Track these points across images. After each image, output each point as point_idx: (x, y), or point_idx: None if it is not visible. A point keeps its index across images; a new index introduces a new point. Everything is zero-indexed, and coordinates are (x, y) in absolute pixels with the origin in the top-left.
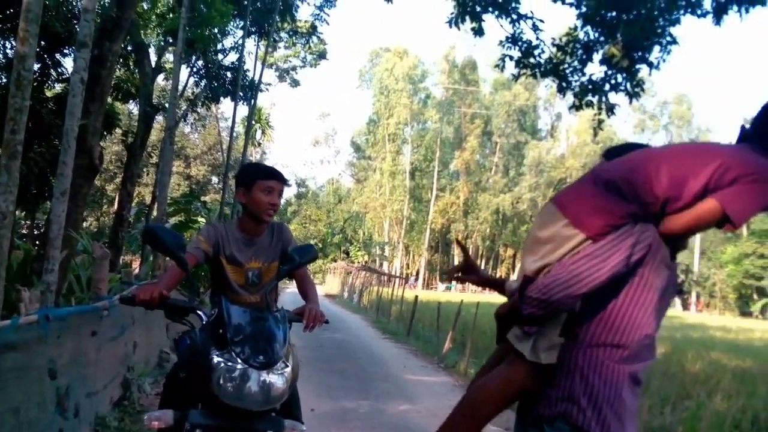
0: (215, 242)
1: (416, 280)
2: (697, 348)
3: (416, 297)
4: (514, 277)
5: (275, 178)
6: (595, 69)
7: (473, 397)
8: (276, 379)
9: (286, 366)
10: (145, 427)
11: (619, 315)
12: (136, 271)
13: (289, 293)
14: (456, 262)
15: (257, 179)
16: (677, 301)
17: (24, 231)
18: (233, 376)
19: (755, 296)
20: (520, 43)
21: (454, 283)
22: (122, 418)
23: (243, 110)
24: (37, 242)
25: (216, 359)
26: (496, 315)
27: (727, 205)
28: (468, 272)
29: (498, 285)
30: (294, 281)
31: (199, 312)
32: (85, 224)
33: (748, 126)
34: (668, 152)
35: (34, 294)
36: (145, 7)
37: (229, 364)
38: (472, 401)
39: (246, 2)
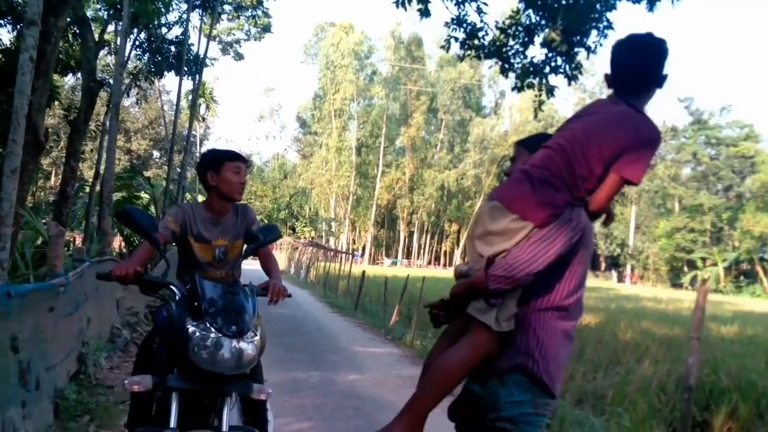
0: (182, 222)
1: (362, 255)
2: (629, 318)
3: (363, 272)
4: (458, 255)
5: (241, 159)
6: (537, 52)
7: (441, 369)
8: (247, 347)
9: (255, 335)
10: (126, 390)
11: (562, 284)
12: (84, 249)
13: (245, 269)
14: (402, 239)
15: (225, 161)
16: (613, 273)
17: None
18: (207, 344)
19: (686, 269)
20: (465, 25)
21: (399, 258)
22: (79, 391)
23: (187, 84)
24: None
25: (192, 329)
26: (452, 294)
27: (625, 174)
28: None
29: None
30: (257, 258)
31: (172, 287)
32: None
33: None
34: (570, 145)
35: None
36: None
37: (204, 333)
38: (440, 372)
39: None
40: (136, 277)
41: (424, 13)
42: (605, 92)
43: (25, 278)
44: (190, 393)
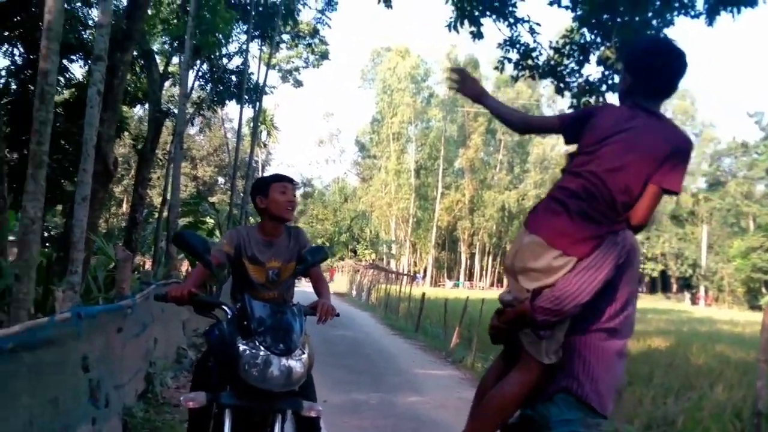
0: (236, 244)
1: (424, 277)
2: (702, 341)
3: (423, 294)
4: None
5: (286, 180)
6: (593, 70)
7: (496, 402)
8: (295, 364)
9: (303, 353)
10: (182, 407)
11: (609, 306)
12: (151, 272)
13: (298, 291)
14: (463, 260)
15: (272, 183)
16: (686, 295)
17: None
18: (257, 362)
19: (763, 290)
20: (518, 46)
21: (461, 280)
22: (147, 409)
23: (248, 112)
24: (47, 244)
25: (242, 347)
26: (499, 320)
27: (665, 185)
28: (461, 82)
29: (491, 105)
30: (309, 280)
31: (224, 307)
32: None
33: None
34: (608, 176)
35: (67, 294)
36: (150, 13)
37: (254, 351)
38: (494, 406)
39: (249, 8)
40: (191, 298)
41: (477, 35)
42: (669, 108)
43: (96, 301)
44: (243, 410)
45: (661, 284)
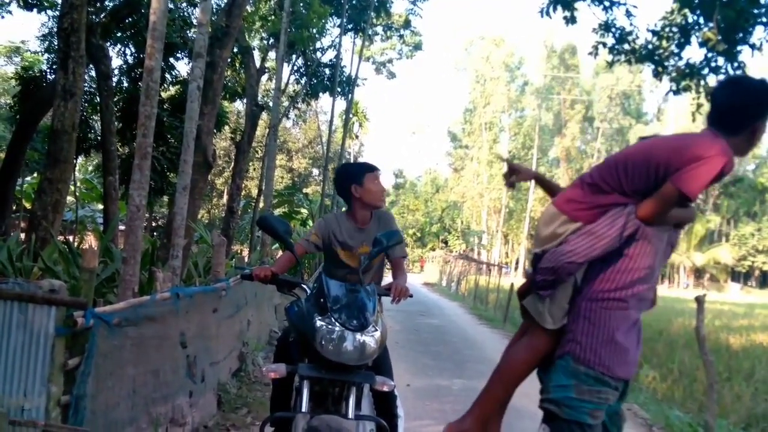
0: (325, 233)
1: (516, 269)
2: None
3: (512, 285)
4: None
5: (377, 169)
6: (694, 52)
7: (506, 365)
8: (368, 340)
9: (376, 330)
10: (264, 377)
11: (617, 276)
12: (246, 259)
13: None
14: None
15: (365, 173)
16: None
17: (144, 223)
18: (332, 337)
19: None
20: (613, 30)
21: None
22: (240, 386)
23: (341, 104)
24: (155, 233)
25: (318, 323)
26: (518, 293)
27: (679, 184)
28: (516, 174)
29: (546, 183)
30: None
31: (304, 286)
32: (198, 216)
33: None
34: (625, 159)
35: (166, 275)
36: (249, 10)
37: (330, 327)
38: (506, 368)
39: (342, 1)
40: (273, 278)
41: (570, 20)
42: None
43: (194, 283)
44: (321, 382)
45: None
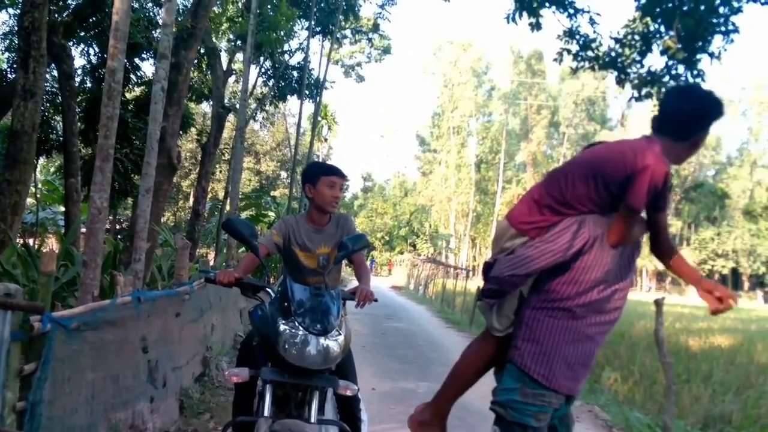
0: (285, 234)
1: (474, 273)
2: None
3: (478, 288)
4: None
5: (336, 174)
6: (656, 60)
7: (460, 365)
8: (331, 344)
9: (339, 334)
10: (228, 382)
11: (563, 287)
12: (212, 262)
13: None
14: None
15: (321, 176)
16: (760, 294)
17: (107, 226)
18: (296, 341)
19: None
20: (577, 37)
21: None
22: (203, 391)
23: (309, 107)
24: (119, 236)
25: (282, 327)
26: (476, 296)
27: (628, 199)
28: None
29: None
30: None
31: (268, 289)
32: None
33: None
34: (569, 170)
35: (128, 279)
36: (216, 12)
37: (293, 331)
38: (456, 369)
39: (310, 4)
40: (237, 281)
41: (536, 26)
42: (744, 99)
43: (157, 287)
44: (283, 386)
45: (732, 282)
